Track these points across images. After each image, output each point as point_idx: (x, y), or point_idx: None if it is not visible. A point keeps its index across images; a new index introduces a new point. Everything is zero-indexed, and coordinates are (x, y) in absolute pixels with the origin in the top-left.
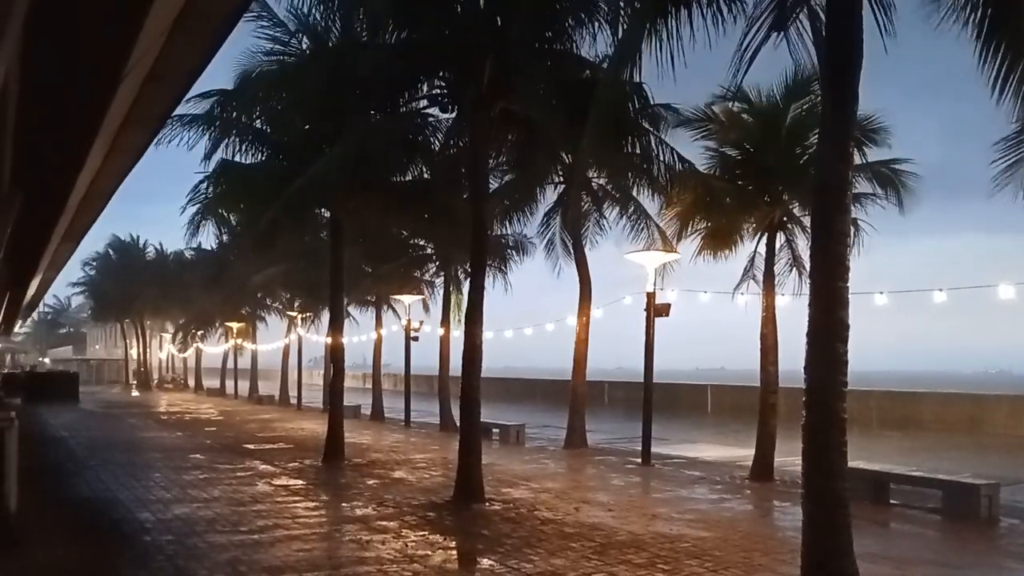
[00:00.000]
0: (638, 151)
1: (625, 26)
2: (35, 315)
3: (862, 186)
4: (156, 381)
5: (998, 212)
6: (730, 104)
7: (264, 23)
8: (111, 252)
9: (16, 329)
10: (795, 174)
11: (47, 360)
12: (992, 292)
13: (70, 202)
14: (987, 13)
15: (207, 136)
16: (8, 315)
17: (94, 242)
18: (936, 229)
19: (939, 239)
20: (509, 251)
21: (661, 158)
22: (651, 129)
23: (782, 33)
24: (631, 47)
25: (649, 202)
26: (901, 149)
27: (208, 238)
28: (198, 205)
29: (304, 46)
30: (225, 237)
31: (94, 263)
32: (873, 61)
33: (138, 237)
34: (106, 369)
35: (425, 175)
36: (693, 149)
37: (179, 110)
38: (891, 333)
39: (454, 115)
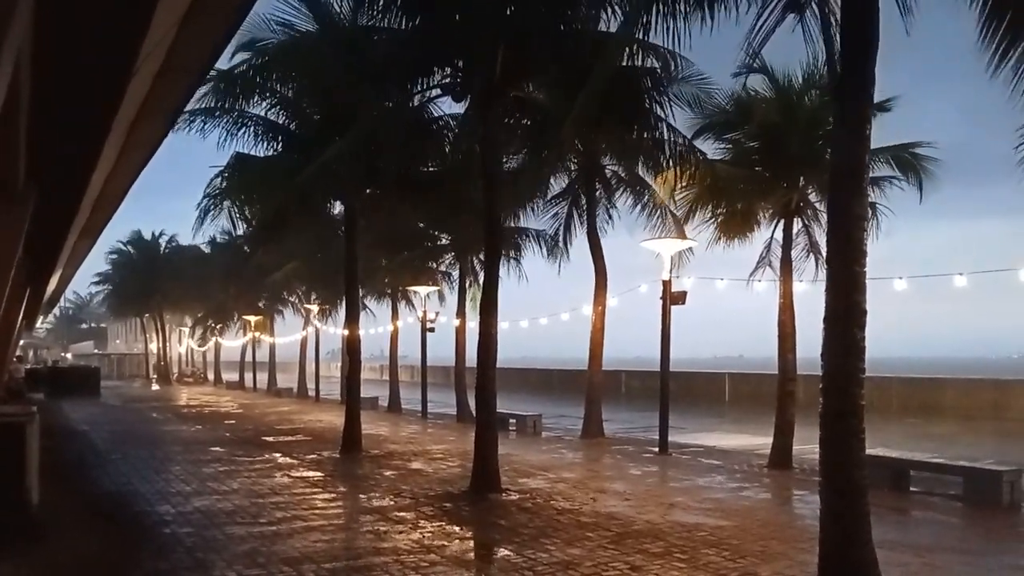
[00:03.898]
0: (648, 135)
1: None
2: (56, 311)
3: (881, 170)
4: (176, 375)
5: (1021, 197)
6: (743, 85)
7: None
8: (131, 248)
9: (38, 325)
10: (813, 159)
11: (69, 355)
12: (1016, 276)
13: (86, 198)
14: None
15: (220, 126)
16: (29, 311)
17: (113, 237)
18: (961, 214)
19: (963, 223)
20: (523, 240)
21: (673, 142)
22: (663, 116)
23: (797, 12)
24: (635, 15)
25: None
26: (920, 134)
27: (221, 229)
28: (210, 197)
29: (314, 27)
30: (240, 229)
31: (114, 258)
32: (889, 46)
33: (160, 233)
34: (127, 363)
35: (438, 164)
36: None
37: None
38: (916, 318)
39: (466, 103)
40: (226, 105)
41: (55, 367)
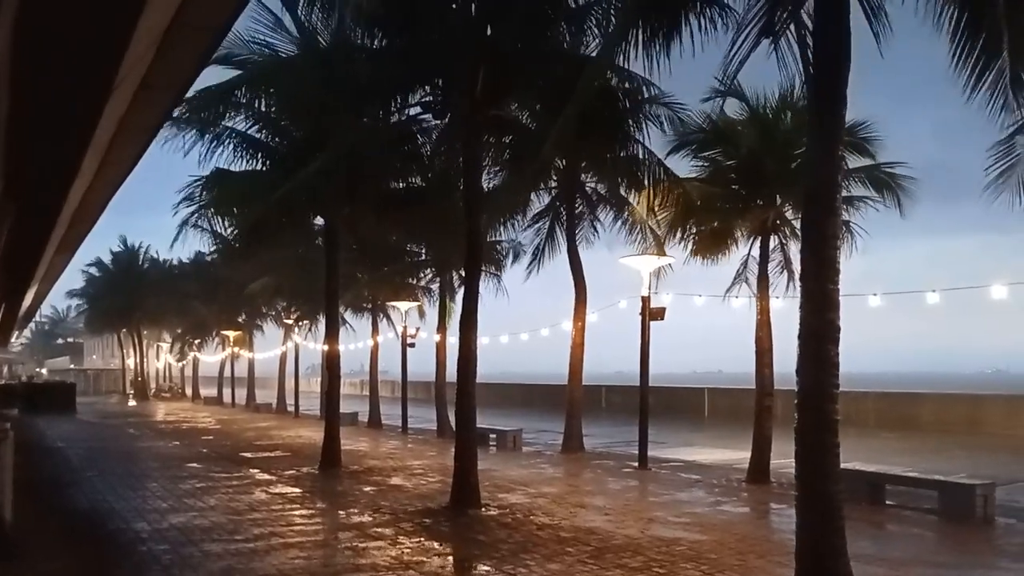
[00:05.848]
0: (625, 152)
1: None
2: (32, 326)
3: (857, 190)
4: (153, 391)
5: (993, 214)
6: (720, 107)
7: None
8: (109, 263)
9: (13, 340)
10: (789, 178)
11: (44, 371)
12: (988, 292)
13: (63, 213)
14: (963, 14)
15: (201, 143)
16: (4, 326)
17: (90, 252)
18: (935, 230)
19: (938, 240)
20: (503, 256)
21: (649, 160)
22: (640, 140)
23: (771, 38)
24: (616, 39)
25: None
26: (894, 153)
27: (200, 244)
28: (189, 211)
29: (293, 47)
30: (219, 244)
31: (91, 273)
32: (865, 69)
33: (139, 246)
34: (103, 379)
35: (419, 181)
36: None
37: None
38: (891, 335)
39: (446, 121)
40: (206, 119)
41: (30, 383)
